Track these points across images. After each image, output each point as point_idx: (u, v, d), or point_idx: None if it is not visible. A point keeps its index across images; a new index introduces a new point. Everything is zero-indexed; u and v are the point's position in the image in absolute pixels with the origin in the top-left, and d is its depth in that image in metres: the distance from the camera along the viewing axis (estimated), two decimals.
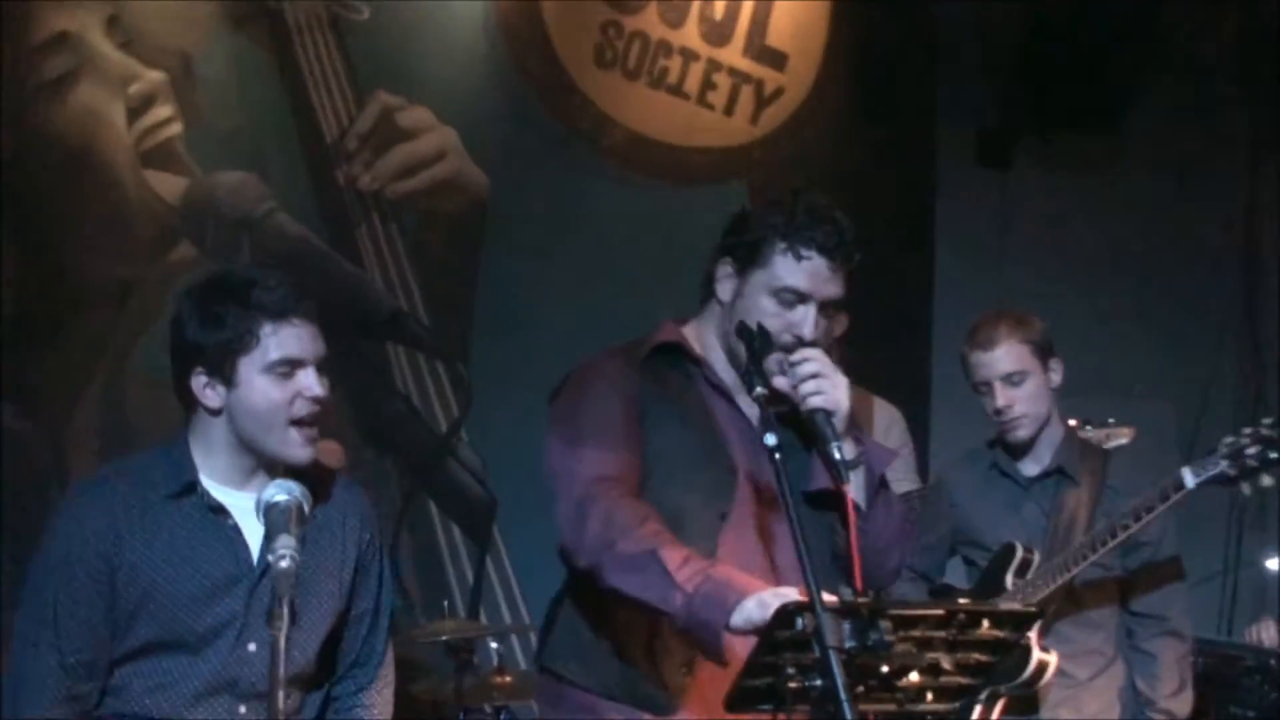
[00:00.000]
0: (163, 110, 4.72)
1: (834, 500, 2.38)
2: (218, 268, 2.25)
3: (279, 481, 2.08)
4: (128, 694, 2.27)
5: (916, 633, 2.10)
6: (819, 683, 1.99)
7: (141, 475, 2.29)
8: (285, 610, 1.89)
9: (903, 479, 3.98)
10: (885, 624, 2.02)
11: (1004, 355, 3.34)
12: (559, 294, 5.12)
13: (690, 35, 5.46)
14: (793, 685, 2.02)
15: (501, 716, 4.07)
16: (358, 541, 2.41)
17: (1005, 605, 2.21)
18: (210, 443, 2.29)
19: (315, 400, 2.25)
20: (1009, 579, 3.28)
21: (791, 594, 2.09)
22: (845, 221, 2.48)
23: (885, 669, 2.09)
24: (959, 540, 3.55)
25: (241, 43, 4.85)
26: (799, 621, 2.00)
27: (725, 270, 2.50)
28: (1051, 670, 3.24)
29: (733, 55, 5.55)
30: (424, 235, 5.10)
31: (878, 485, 2.49)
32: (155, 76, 4.72)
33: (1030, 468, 3.45)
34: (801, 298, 2.42)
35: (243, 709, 2.27)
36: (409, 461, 5.02)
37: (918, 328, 6.03)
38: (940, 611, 2.12)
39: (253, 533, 2.23)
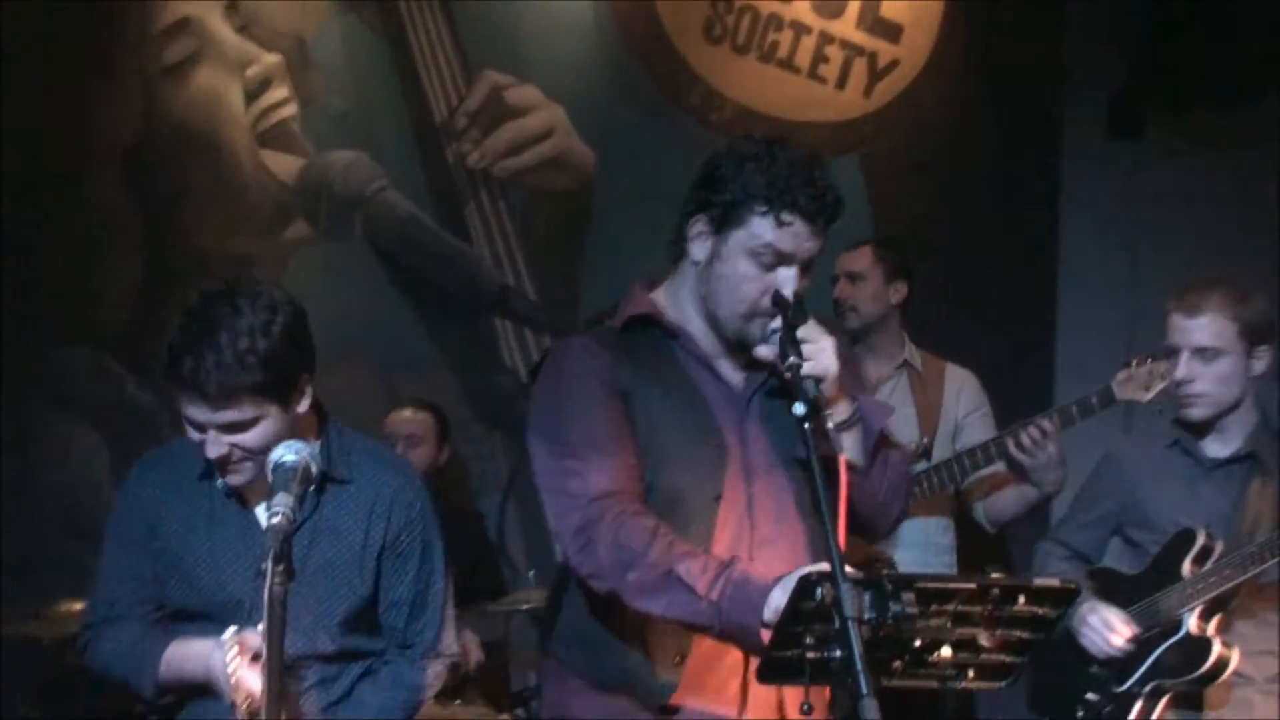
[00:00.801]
0: (278, 92, 4.88)
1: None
2: (195, 305, 2.29)
3: (290, 442, 2.14)
4: None
5: (950, 607, 2.06)
6: (838, 654, 1.96)
7: (182, 454, 2.42)
8: (271, 565, 1.93)
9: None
10: (909, 596, 1.98)
11: (1204, 326, 3.04)
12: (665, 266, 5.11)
13: (802, 8, 5.40)
14: (811, 656, 1.99)
15: None
16: (385, 528, 2.44)
17: (1043, 581, 2.12)
18: None
19: (216, 459, 2.31)
20: (1187, 566, 3.05)
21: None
22: (826, 180, 2.35)
23: (917, 643, 2.05)
24: (1125, 520, 3.28)
25: (353, 24, 4.98)
26: (818, 592, 1.97)
27: (698, 229, 2.39)
28: (1232, 667, 3.02)
29: (845, 28, 5.46)
30: (532, 211, 5.16)
31: (876, 442, 2.41)
32: (271, 59, 4.88)
33: (1216, 449, 3.15)
34: (783, 259, 2.32)
35: None
36: (517, 435, 5.08)
37: (1044, 307, 5.86)
38: (973, 586, 2.06)
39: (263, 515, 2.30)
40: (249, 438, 2.28)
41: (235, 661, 2.22)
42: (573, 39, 5.18)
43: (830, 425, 2.29)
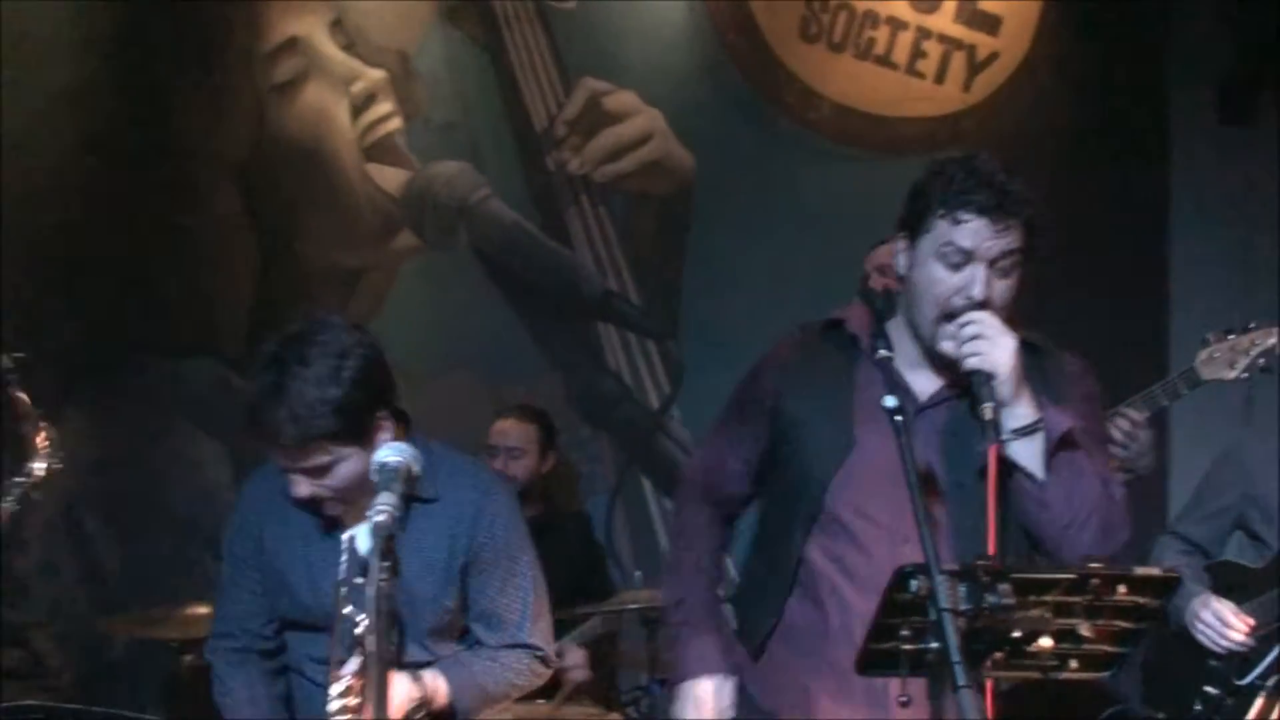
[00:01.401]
0: (383, 106, 5.00)
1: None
2: (268, 354, 2.40)
3: (393, 444, 2.19)
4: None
5: (1049, 598, 2.06)
6: (934, 645, 1.97)
7: (270, 493, 2.53)
8: (378, 562, 1.98)
9: None
10: (1005, 587, 1.98)
11: None
12: (767, 270, 5.14)
13: (898, 4, 5.38)
14: (908, 648, 2.01)
15: None
16: (469, 545, 2.49)
17: (1143, 570, 2.10)
18: None
19: (305, 500, 2.41)
20: None
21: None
22: (1006, 180, 2.38)
23: (1016, 634, 2.05)
24: (1246, 513, 3.25)
25: (454, 37, 5.09)
26: (913, 584, 1.99)
27: (901, 244, 2.48)
28: None
29: (943, 21, 5.43)
30: (632, 216, 5.22)
31: (1053, 449, 2.40)
32: (376, 75, 5.00)
33: None
34: (967, 257, 2.37)
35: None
36: (622, 438, 5.15)
37: (1154, 301, 5.75)
38: (1071, 576, 2.06)
39: (361, 537, 2.37)
40: (331, 480, 2.37)
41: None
42: (669, 44, 5.23)
43: (994, 421, 2.31)
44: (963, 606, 1.96)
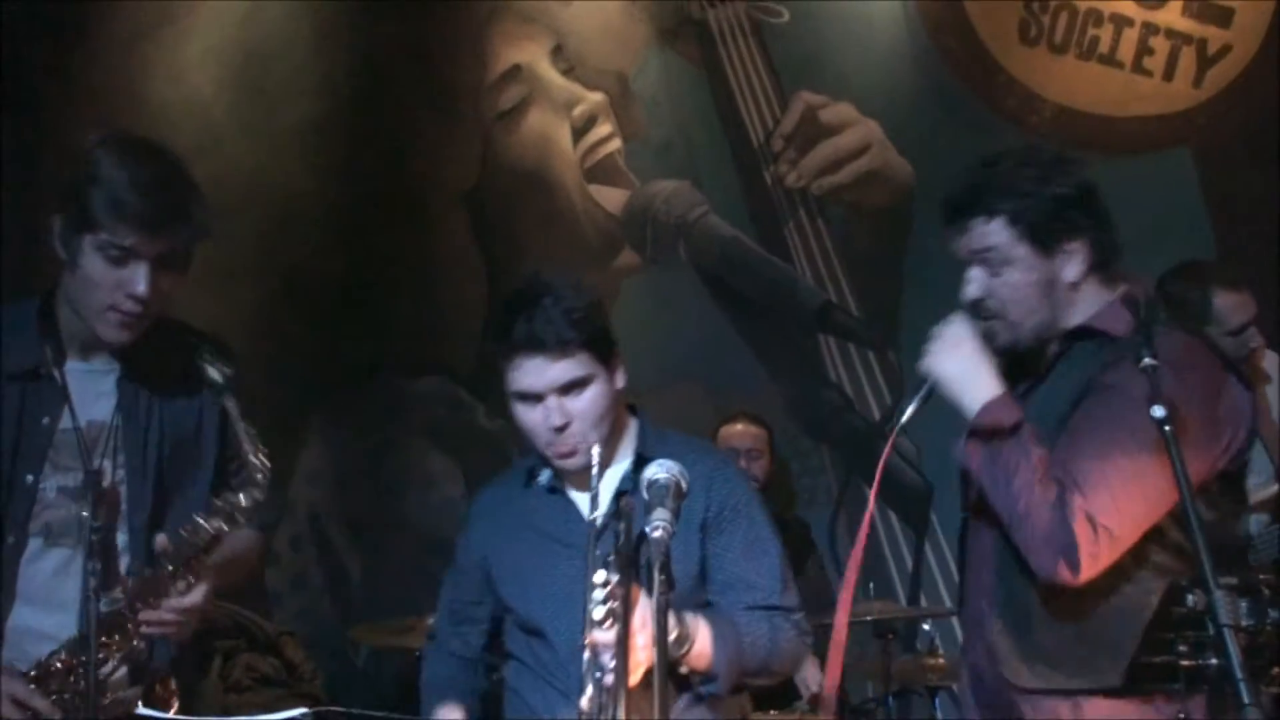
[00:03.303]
0: (603, 128, 5.13)
1: None
2: (512, 292, 2.48)
3: (659, 461, 2.20)
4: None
5: None
6: (1214, 661, 1.92)
7: (508, 477, 2.61)
8: (658, 575, 1.99)
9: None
10: None
11: None
12: None
13: (1122, 1, 5.25)
14: (1186, 664, 1.96)
15: (936, 699, 4.09)
16: (705, 504, 2.47)
17: None
18: None
19: (554, 430, 2.42)
20: None
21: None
22: (968, 175, 2.35)
23: None
24: None
25: (671, 57, 5.18)
26: (1189, 598, 1.94)
27: None
28: None
29: (1171, 16, 5.27)
30: (851, 227, 5.21)
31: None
32: (596, 98, 5.13)
33: None
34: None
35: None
36: (843, 449, 5.14)
37: None
38: None
39: (585, 503, 2.40)
40: (582, 402, 2.38)
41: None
42: (885, 54, 5.21)
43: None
44: (1245, 622, 1.91)
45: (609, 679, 2.09)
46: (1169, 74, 5.30)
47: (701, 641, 2.32)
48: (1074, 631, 2.22)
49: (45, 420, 2.30)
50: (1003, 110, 5.26)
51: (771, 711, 3.76)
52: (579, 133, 5.13)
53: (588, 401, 2.39)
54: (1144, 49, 5.27)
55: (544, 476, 2.53)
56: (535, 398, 2.40)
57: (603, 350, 2.42)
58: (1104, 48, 5.27)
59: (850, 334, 5.17)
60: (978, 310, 2.31)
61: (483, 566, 2.57)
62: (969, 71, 5.25)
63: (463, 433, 5.00)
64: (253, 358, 4.58)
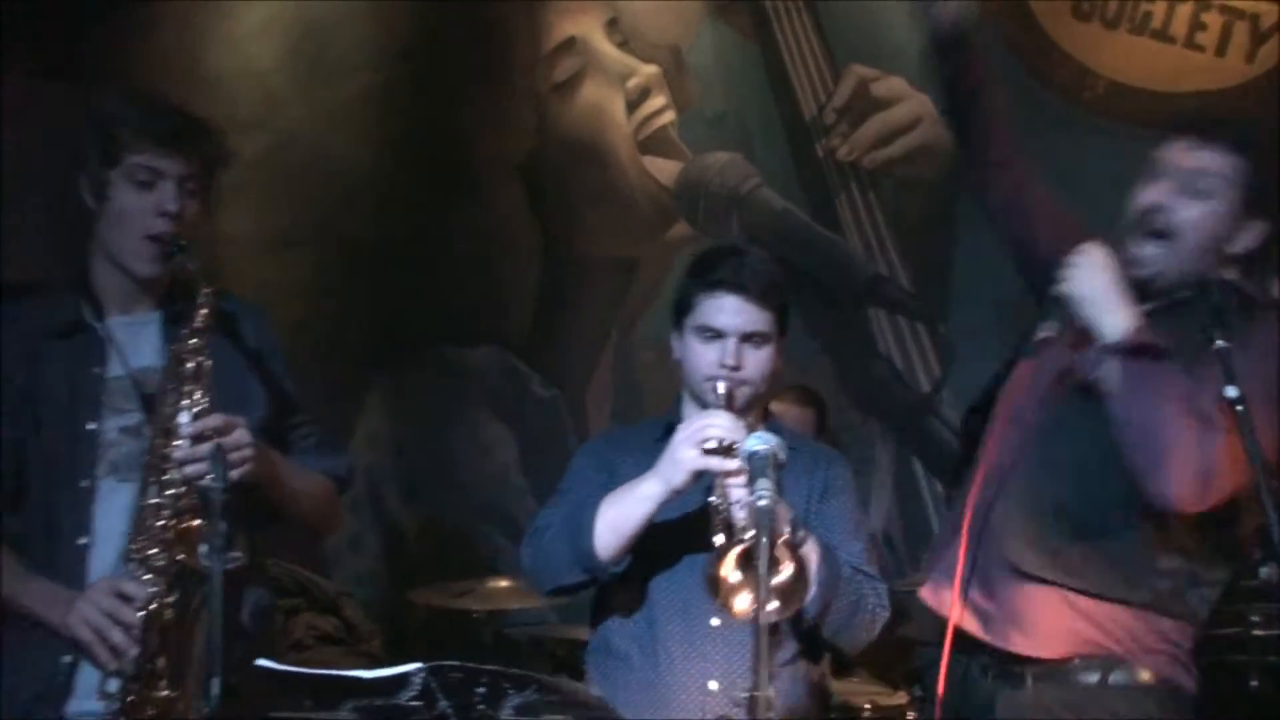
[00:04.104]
0: (657, 100, 5.18)
1: None
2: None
3: (758, 434, 2.28)
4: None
5: None
6: None
7: (626, 441, 2.65)
8: (766, 545, 2.02)
9: None
10: None
11: None
12: None
13: None
14: (1259, 634, 2.03)
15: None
16: (808, 489, 2.56)
17: None
18: (686, 399, 2.63)
19: (730, 367, 2.49)
20: None
21: None
22: None
23: None
24: None
25: (724, 31, 5.21)
26: (1263, 571, 2.00)
27: None
28: None
29: None
30: (902, 201, 5.24)
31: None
32: (650, 70, 5.18)
33: None
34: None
35: (715, 620, 2.44)
36: (893, 421, 5.19)
37: None
38: None
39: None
40: (759, 356, 2.49)
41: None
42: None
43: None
44: None
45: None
46: (1221, 49, 5.29)
47: (811, 546, 2.36)
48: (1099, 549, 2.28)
49: (95, 370, 2.39)
50: (1055, 85, 5.26)
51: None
52: (633, 105, 5.18)
53: (762, 358, 2.51)
54: (1196, 24, 5.26)
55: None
56: (719, 335, 2.49)
57: (783, 323, 2.55)
58: (1156, 23, 5.26)
59: (900, 307, 5.22)
60: (1146, 220, 2.31)
61: (610, 471, 2.55)
62: (1021, 46, 5.25)
63: (517, 401, 5.09)
64: (313, 326, 4.70)
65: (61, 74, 4.61)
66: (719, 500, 2.31)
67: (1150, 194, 2.32)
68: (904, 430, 5.18)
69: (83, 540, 2.34)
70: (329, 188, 4.96)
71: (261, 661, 1.91)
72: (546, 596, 2.67)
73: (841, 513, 2.56)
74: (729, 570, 2.13)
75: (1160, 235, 2.30)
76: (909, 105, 5.20)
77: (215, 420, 2.25)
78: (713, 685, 2.43)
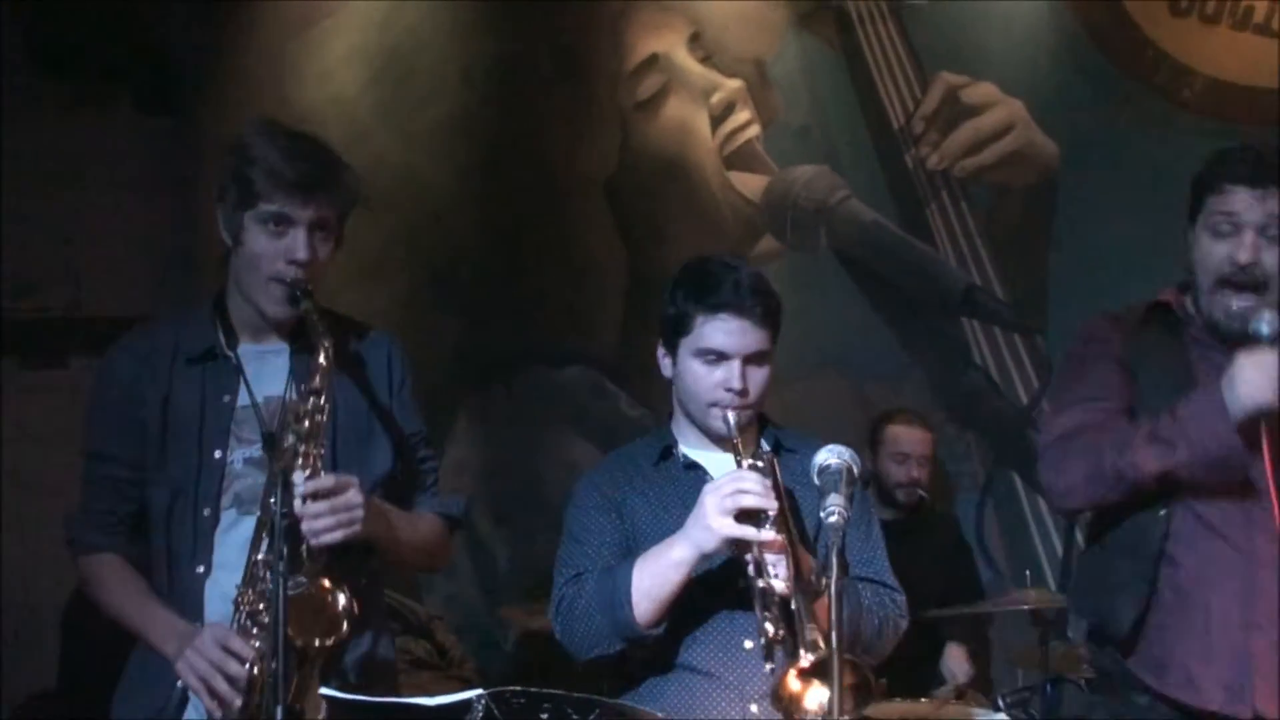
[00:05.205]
0: (742, 115, 5.13)
1: None
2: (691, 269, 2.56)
3: (830, 446, 2.27)
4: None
5: None
6: None
7: (635, 452, 2.62)
8: (835, 560, 2.01)
9: None
10: None
11: None
12: (1137, 258, 4.93)
13: None
14: None
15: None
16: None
17: None
18: (679, 416, 2.59)
19: (733, 390, 2.45)
20: None
21: None
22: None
23: None
24: None
25: (809, 42, 5.15)
26: None
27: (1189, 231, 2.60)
28: None
29: None
30: (995, 209, 5.13)
31: None
32: (733, 84, 5.13)
33: None
34: (1235, 224, 2.47)
35: (748, 644, 2.40)
36: (990, 435, 5.07)
37: None
38: None
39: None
40: (760, 375, 2.46)
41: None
42: (1027, 31, 5.11)
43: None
44: None
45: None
46: None
47: (833, 586, 2.24)
48: None
49: (225, 398, 2.44)
50: (1152, 85, 5.12)
51: (922, 700, 3.74)
52: (717, 120, 5.13)
53: (763, 376, 2.48)
54: None
55: (681, 454, 2.56)
56: (722, 357, 2.45)
57: (775, 338, 2.52)
58: (1259, 17, 5.09)
59: (995, 317, 5.10)
60: (1241, 272, 2.42)
61: (618, 510, 2.53)
62: (1116, 46, 5.12)
63: (606, 420, 5.06)
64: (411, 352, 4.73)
65: (165, 110, 4.75)
66: (753, 572, 2.26)
67: (1247, 249, 2.43)
68: (1002, 444, 5.06)
69: (200, 569, 2.38)
70: (416, 212, 4.99)
71: (324, 690, 1.89)
72: (583, 664, 2.55)
73: (856, 523, 2.47)
74: (792, 682, 2.11)
75: (1254, 289, 2.44)
76: (1000, 111, 5.10)
77: (327, 481, 2.26)
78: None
